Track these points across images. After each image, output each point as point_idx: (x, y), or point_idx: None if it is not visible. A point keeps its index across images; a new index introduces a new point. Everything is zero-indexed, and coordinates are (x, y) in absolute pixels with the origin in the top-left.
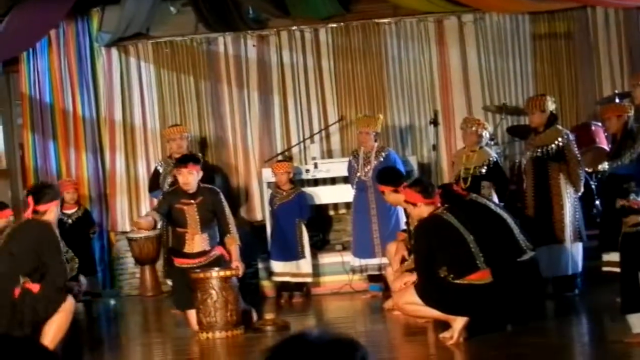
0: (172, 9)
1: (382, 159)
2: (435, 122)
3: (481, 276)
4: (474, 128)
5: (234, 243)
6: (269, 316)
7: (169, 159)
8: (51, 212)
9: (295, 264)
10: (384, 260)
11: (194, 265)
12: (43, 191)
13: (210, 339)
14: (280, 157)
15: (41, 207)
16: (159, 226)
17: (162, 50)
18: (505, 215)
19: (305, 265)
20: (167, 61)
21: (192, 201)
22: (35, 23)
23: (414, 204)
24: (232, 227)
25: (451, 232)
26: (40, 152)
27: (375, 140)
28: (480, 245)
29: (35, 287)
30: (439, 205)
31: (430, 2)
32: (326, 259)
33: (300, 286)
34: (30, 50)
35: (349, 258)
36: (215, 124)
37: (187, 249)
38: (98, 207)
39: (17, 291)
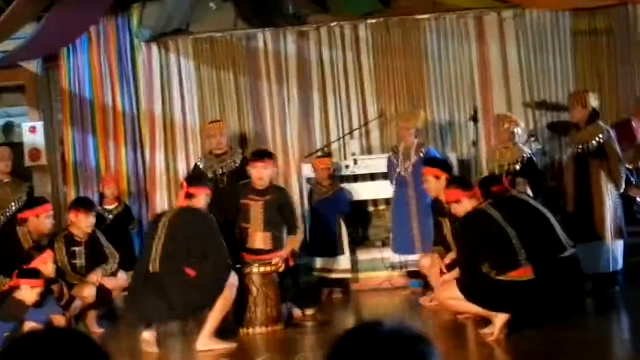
0: (212, 4)
1: (422, 155)
2: (475, 119)
3: (523, 273)
4: (506, 125)
5: (291, 243)
6: (309, 312)
7: (209, 155)
8: (201, 199)
9: (334, 260)
10: (415, 258)
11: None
12: (197, 177)
13: (251, 334)
14: (319, 154)
15: (192, 190)
16: None
17: (202, 46)
18: (545, 211)
19: (344, 261)
20: (207, 57)
21: (260, 198)
22: (76, 19)
23: (457, 201)
24: (298, 229)
25: (494, 228)
26: (80, 148)
27: (416, 137)
28: (522, 241)
29: (192, 272)
30: (481, 199)
31: None
32: (365, 255)
33: (339, 282)
34: (71, 46)
35: (388, 254)
36: (254, 120)
37: (249, 244)
38: (138, 203)
39: (189, 271)
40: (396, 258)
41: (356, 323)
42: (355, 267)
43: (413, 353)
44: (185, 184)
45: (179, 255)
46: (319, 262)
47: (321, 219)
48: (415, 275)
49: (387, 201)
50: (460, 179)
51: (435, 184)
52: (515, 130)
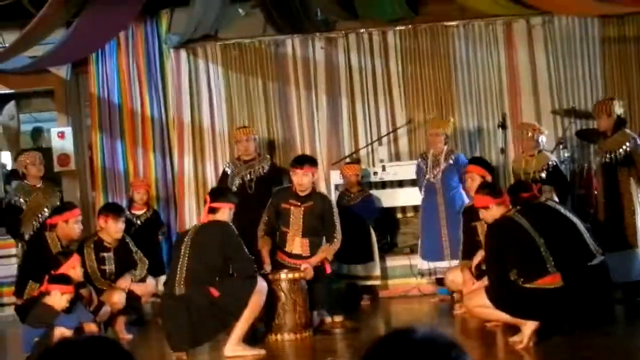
0: (240, 10)
1: (451, 162)
2: (503, 126)
3: (551, 280)
4: (530, 134)
5: (324, 252)
6: (337, 319)
7: (237, 160)
8: (224, 214)
9: (363, 266)
10: (453, 262)
11: (289, 265)
12: (222, 191)
13: (279, 340)
14: (348, 160)
15: (216, 204)
16: None
17: (230, 52)
18: (574, 218)
19: (373, 268)
20: (235, 63)
21: (300, 204)
22: (105, 24)
23: (486, 208)
24: (336, 239)
25: (522, 235)
26: (108, 153)
27: (445, 143)
28: (551, 249)
29: (216, 293)
30: (509, 205)
31: (498, 4)
32: (394, 262)
33: (368, 289)
34: (100, 51)
35: (416, 261)
36: (283, 125)
37: (287, 248)
38: (166, 209)
39: (213, 291)
40: (425, 265)
41: (388, 329)
42: (383, 273)
43: (446, 359)
44: (208, 198)
45: (203, 274)
46: (348, 269)
47: (350, 225)
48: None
49: (415, 208)
50: (491, 185)
51: (479, 184)
52: (540, 138)
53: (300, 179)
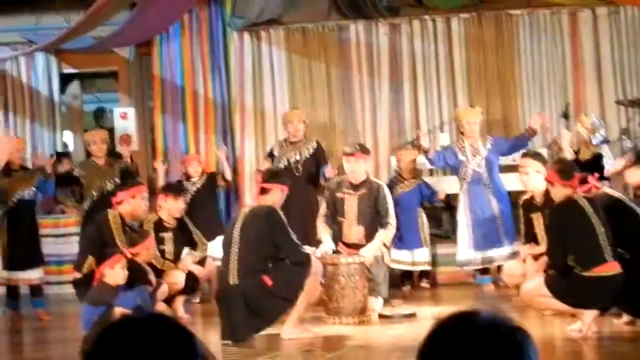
0: None
1: (490, 147)
2: (566, 115)
3: (610, 268)
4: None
5: (380, 237)
6: (395, 303)
7: (283, 142)
8: (275, 194)
9: (415, 252)
10: (506, 249)
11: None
12: (274, 172)
13: (337, 324)
14: (406, 145)
15: (267, 185)
16: None
17: (293, 37)
18: (637, 209)
19: (424, 254)
20: (299, 47)
21: (354, 192)
22: (169, 6)
23: (552, 183)
24: (390, 224)
25: (583, 220)
26: (170, 134)
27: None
28: (611, 237)
29: (269, 281)
30: (577, 189)
31: None
32: (445, 249)
33: (421, 275)
34: (163, 33)
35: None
36: (345, 110)
37: (344, 238)
38: (226, 192)
39: (266, 279)
40: (465, 256)
41: (451, 313)
42: (435, 260)
43: (510, 343)
44: (259, 179)
45: (255, 263)
46: (400, 254)
47: (403, 211)
48: (486, 271)
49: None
50: (566, 166)
51: (534, 178)
52: (582, 131)
53: (352, 167)
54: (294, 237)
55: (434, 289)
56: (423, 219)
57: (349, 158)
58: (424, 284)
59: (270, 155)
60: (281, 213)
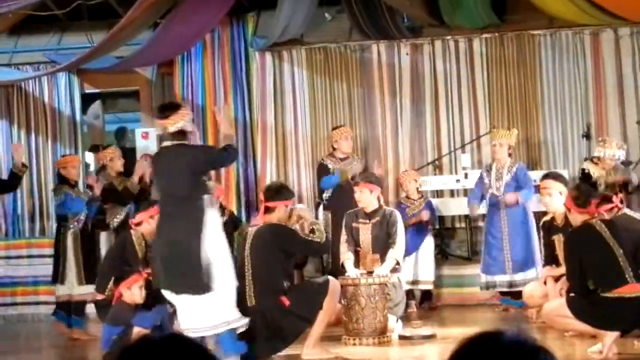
0: (326, 15)
1: (513, 174)
2: (588, 136)
3: (631, 289)
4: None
5: (391, 256)
6: (415, 324)
7: (332, 157)
8: (280, 211)
9: (419, 272)
10: (515, 277)
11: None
12: (276, 189)
13: (357, 345)
14: (407, 168)
15: (271, 204)
16: None
17: (315, 56)
18: None
19: (428, 273)
20: (320, 67)
21: (368, 221)
22: (192, 27)
23: (568, 210)
24: (395, 243)
25: (601, 243)
26: None
27: (509, 155)
28: (630, 259)
29: (286, 301)
30: (594, 215)
31: (587, 14)
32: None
33: (424, 295)
34: (185, 53)
35: (476, 270)
36: (366, 130)
37: (361, 267)
38: (247, 212)
39: (284, 300)
40: (484, 278)
41: (476, 333)
42: (439, 281)
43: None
44: (262, 198)
45: (271, 282)
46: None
47: (412, 232)
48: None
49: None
50: (580, 193)
51: (557, 199)
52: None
53: (358, 197)
54: (303, 235)
55: (454, 310)
56: (431, 239)
57: (355, 188)
58: (424, 306)
59: (324, 167)
60: (288, 225)
